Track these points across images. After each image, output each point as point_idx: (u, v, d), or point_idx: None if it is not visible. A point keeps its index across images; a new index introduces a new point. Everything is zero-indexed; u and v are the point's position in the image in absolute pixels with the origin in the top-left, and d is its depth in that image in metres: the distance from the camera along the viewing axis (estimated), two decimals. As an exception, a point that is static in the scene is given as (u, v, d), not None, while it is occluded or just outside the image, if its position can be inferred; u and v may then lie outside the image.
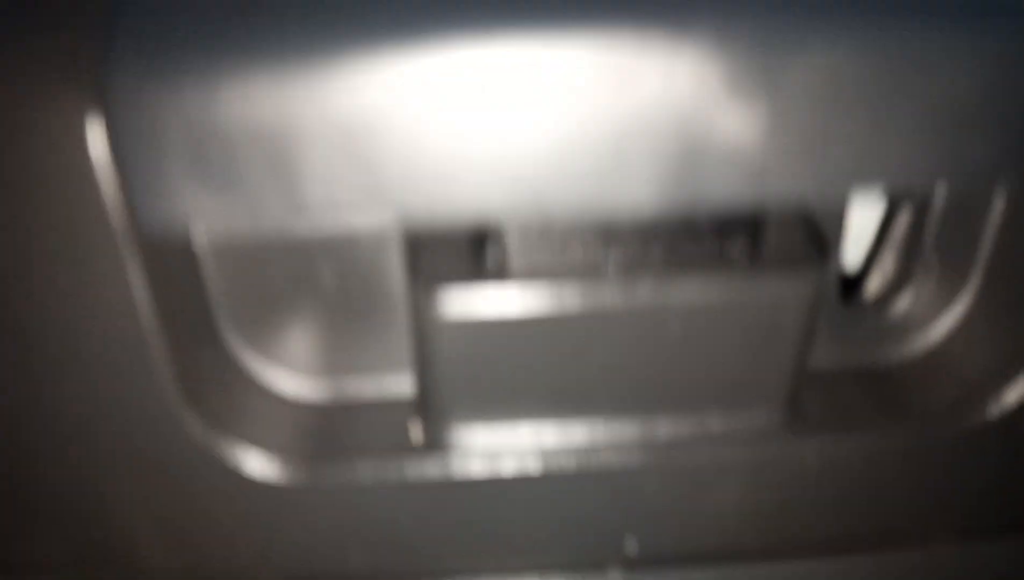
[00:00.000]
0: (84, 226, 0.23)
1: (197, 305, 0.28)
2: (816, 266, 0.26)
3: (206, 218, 0.23)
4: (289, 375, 0.30)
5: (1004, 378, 0.29)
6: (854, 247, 0.33)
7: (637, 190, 0.23)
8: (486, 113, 0.22)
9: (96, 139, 0.22)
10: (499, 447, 0.29)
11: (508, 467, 0.29)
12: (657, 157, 0.22)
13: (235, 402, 0.29)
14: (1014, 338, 0.29)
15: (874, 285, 0.33)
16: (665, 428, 0.29)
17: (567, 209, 0.23)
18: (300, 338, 0.30)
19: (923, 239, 0.30)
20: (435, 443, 0.29)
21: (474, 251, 0.27)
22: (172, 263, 0.26)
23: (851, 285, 0.34)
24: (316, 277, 0.29)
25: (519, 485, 0.30)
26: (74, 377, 0.26)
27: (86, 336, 0.26)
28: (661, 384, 0.28)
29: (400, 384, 0.31)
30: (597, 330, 0.27)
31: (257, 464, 0.28)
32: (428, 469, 0.29)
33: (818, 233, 0.28)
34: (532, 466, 0.29)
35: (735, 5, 0.21)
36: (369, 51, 0.21)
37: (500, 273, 0.26)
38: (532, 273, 0.26)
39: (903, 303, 0.32)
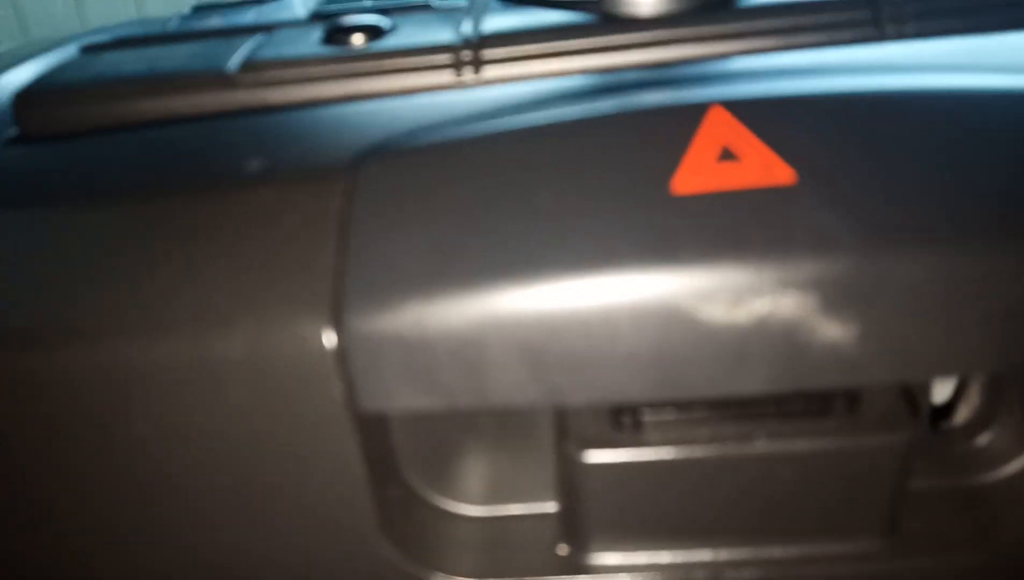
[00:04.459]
0: (318, 408, 0.30)
1: (386, 452, 0.35)
2: (909, 423, 0.31)
3: (409, 404, 0.29)
4: (457, 503, 0.36)
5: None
6: (943, 380, 0.37)
7: (752, 380, 0.28)
8: (631, 324, 0.28)
9: (330, 348, 0.29)
10: (634, 566, 0.35)
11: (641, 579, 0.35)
12: (768, 357, 0.27)
13: (419, 530, 0.35)
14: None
15: (962, 414, 0.37)
16: (778, 552, 0.34)
17: (696, 394, 0.29)
18: (465, 472, 0.36)
19: (1004, 382, 0.34)
20: (578, 561, 0.35)
21: (612, 411, 0.33)
22: (374, 424, 0.33)
23: (942, 410, 0.38)
24: (478, 425, 0.35)
25: None
26: (299, 518, 0.33)
27: (312, 485, 0.32)
28: (774, 516, 0.33)
29: (547, 507, 0.37)
30: (720, 477, 0.32)
31: (439, 578, 0.34)
32: None
33: (910, 389, 0.32)
34: None
35: (830, 241, 0.26)
36: (539, 277, 0.28)
37: (635, 430, 0.32)
38: (662, 429, 0.32)
39: (989, 434, 0.36)
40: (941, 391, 0.37)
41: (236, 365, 0.30)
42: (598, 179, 0.29)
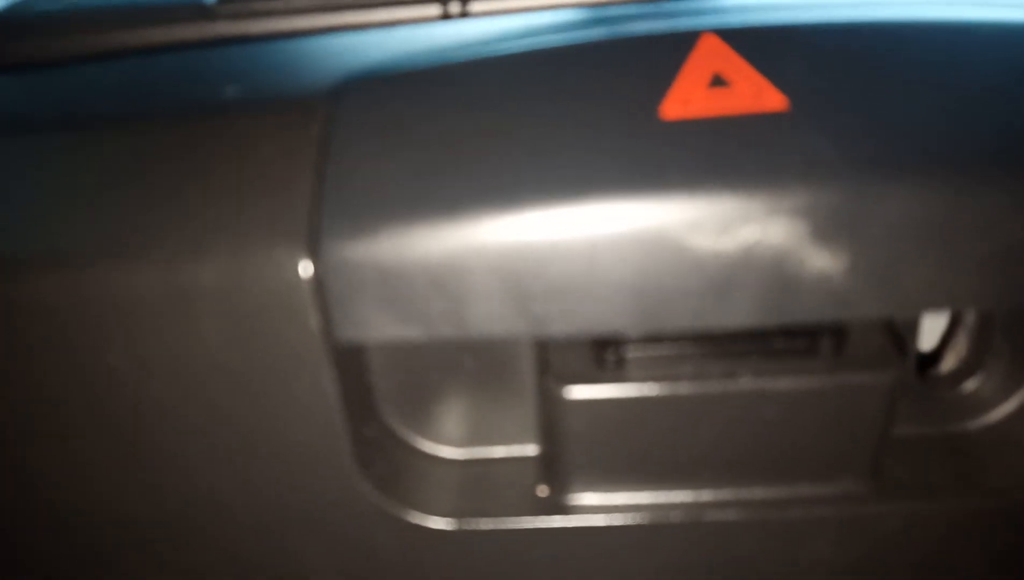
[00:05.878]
0: (293, 338, 0.30)
1: (364, 389, 0.34)
2: (895, 363, 0.30)
3: (386, 334, 0.29)
4: (437, 444, 0.36)
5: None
6: (930, 328, 0.37)
7: (738, 312, 0.27)
8: (616, 252, 0.27)
9: (306, 276, 0.28)
10: (615, 507, 0.34)
11: (620, 520, 0.34)
12: (756, 287, 0.27)
13: (395, 466, 0.35)
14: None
15: (948, 363, 0.37)
16: (760, 493, 0.34)
17: (681, 326, 0.28)
18: (445, 413, 0.36)
19: (993, 329, 0.34)
20: (558, 499, 0.35)
21: (595, 347, 0.32)
22: (350, 358, 0.32)
23: (928, 360, 0.37)
24: (458, 365, 0.35)
25: (629, 536, 0.35)
26: (275, 452, 0.32)
27: (287, 417, 0.32)
28: (757, 456, 0.33)
29: (527, 450, 0.36)
30: (703, 415, 0.31)
31: (415, 516, 0.34)
32: (552, 521, 0.34)
33: (897, 331, 0.32)
34: (640, 521, 0.34)
35: (822, 169, 0.26)
36: (522, 205, 0.27)
37: (618, 367, 0.31)
38: (645, 366, 0.31)
39: (975, 382, 0.35)
40: (929, 338, 0.37)
41: (209, 294, 0.29)
42: (585, 105, 0.28)
